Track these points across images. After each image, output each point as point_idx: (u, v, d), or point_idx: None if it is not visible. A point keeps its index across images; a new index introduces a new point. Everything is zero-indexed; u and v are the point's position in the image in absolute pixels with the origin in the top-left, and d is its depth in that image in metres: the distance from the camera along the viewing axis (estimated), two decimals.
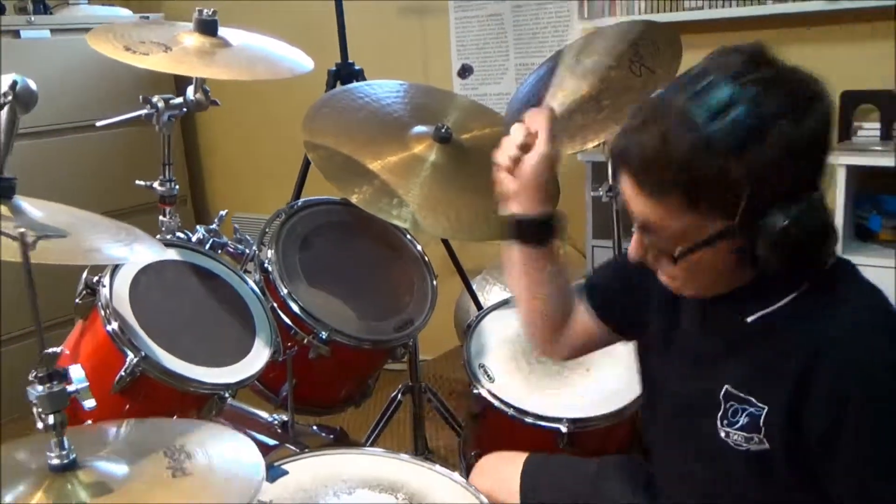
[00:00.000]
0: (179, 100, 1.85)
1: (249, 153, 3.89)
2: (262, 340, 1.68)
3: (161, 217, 1.93)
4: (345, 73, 2.83)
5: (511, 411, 1.83)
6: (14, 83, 1.18)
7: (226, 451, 1.11)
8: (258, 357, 1.64)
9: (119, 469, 1.04)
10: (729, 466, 1.15)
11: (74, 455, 1.01)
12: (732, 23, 2.60)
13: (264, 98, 3.63)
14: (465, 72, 3.20)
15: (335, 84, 2.80)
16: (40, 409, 0.98)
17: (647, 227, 1.09)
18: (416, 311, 1.99)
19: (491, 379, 1.91)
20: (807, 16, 2.48)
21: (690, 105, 0.99)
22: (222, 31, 1.82)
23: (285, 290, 1.83)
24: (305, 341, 1.82)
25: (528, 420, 1.82)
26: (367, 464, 1.59)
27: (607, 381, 1.90)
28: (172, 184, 1.94)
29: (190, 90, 1.83)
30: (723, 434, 1.14)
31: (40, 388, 0.99)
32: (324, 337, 1.82)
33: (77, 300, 1.56)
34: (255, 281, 1.81)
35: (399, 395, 2.44)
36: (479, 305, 2.81)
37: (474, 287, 2.89)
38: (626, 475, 1.51)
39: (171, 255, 1.68)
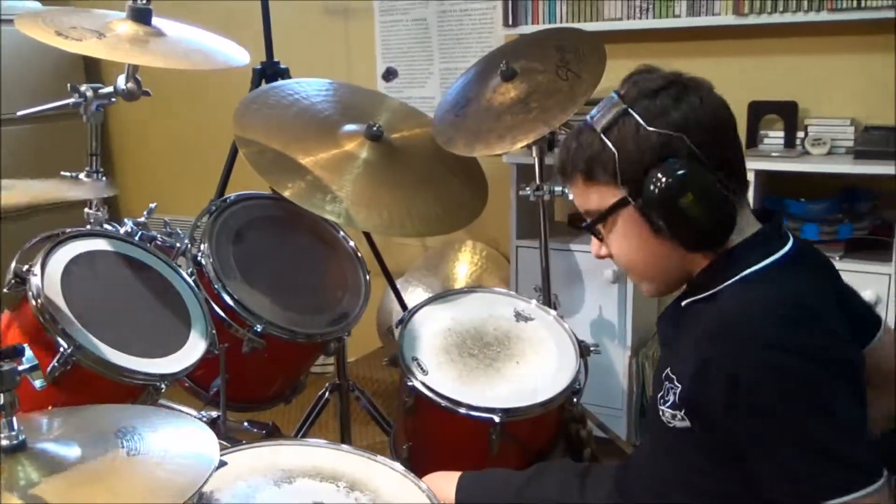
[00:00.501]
0: (109, 89, 1.82)
1: (169, 150, 3.82)
2: (198, 332, 1.66)
3: (87, 209, 1.89)
4: (270, 71, 2.82)
5: (444, 402, 1.86)
6: None
7: (178, 431, 1.10)
8: (194, 348, 1.63)
9: (71, 451, 1.02)
10: (665, 443, 1.23)
11: (24, 436, 0.99)
12: (649, 34, 2.73)
13: (187, 95, 3.57)
14: (389, 75, 3.23)
15: (260, 82, 2.79)
16: None
17: (584, 214, 1.30)
18: (351, 305, 2.01)
19: (424, 371, 1.93)
20: (717, 29, 2.63)
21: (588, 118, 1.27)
22: (155, 21, 1.80)
23: (219, 283, 1.82)
24: (240, 335, 1.81)
25: (462, 411, 1.85)
26: (306, 454, 1.59)
27: (536, 373, 1.95)
28: (99, 175, 1.90)
29: (121, 79, 1.80)
30: (661, 412, 1.22)
31: None
32: (258, 330, 1.81)
33: (5, 289, 1.51)
34: (188, 274, 1.79)
35: (327, 394, 2.44)
36: (403, 305, 2.84)
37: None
38: (558, 474, 1.57)
39: (103, 245, 1.65)
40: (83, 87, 1.78)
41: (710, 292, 1.20)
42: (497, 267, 3.23)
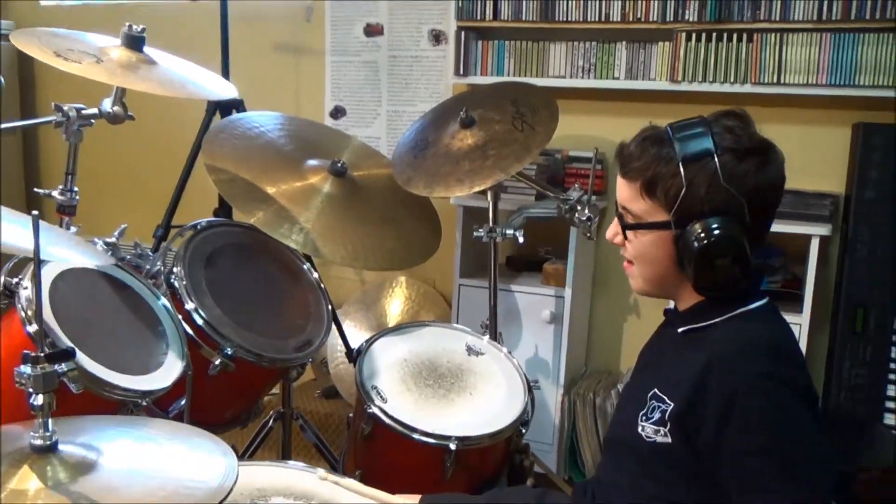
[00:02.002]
0: (93, 110, 1.86)
1: (117, 175, 3.78)
2: (175, 353, 1.71)
3: (59, 227, 1.91)
4: (225, 102, 2.88)
5: (403, 429, 1.95)
6: None
7: (190, 436, 1.17)
8: (173, 368, 1.67)
9: (95, 454, 1.07)
10: (639, 457, 1.37)
11: (56, 438, 1.04)
12: (590, 92, 2.94)
13: (143, 120, 3.56)
14: (337, 113, 3.36)
15: (214, 112, 2.84)
16: (31, 389, 1.00)
17: (622, 207, 1.39)
18: (315, 332, 2.08)
19: (384, 399, 2.02)
20: (653, 93, 2.86)
21: (670, 129, 1.35)
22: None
23: (192, 305, 1.86)
24: (209, 356, 1.85)
25: (417, 437, 1.94)
26: (281, 477, 1.65)
27: (489, 404, 2.07)
28: (73, 194, 1.93)
29: (107, 102, 1.85)
30: (639, 428, 1.36)
31: (30, 368, 1.00)
32: (229, 352, 1.86)
33: None
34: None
35: (271, 422, 2.48)
36: (344, 338, 2.90)
37: None
38: (517, 497, 1.68)
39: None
40: (66, 107, 1.82)
41: (708, 323, 1.36)
42: (433, 304, 3.34)
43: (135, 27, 1.79)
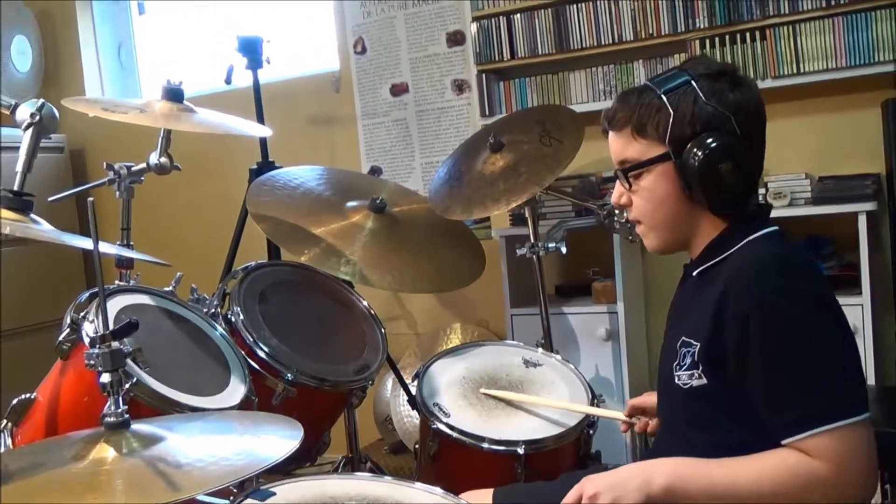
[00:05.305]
0: (141, 166, 1.98)
1: (170, 234, 3.93)
2: (237, 377, 1.75)
3: (118, 281, 2.00)
4: (266, 171, 3.00)
5: (469, 440, 1.95)
6: (41, 105, 1.29)
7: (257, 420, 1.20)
8: (236, 390, 1.71)
9: (166, 430, 1.11)
10: (680, 407, 1.37)
11: (128, 416, 1.08)
12: None
13: (189, 188, 3.73)
14: (374, 173, 3.46)
15: (258, 175, 2.95)
16: (100, 368, 1.05)
17: (619, 162, 1.42)
18: (371, 357, 2.11)
19: (447, 414, 2.02)
20: None
21: (647, 80, 1.43)
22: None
23: (251, 338, 1.92)
24: (272, 385, 1.90)
25: (485, 446, 1.94)
26: (351, 485, 1.65)
27: (550, 409, 2.06)
28: (130, 248, 2.02)
29: (153, 155, 1.96)
30: (676, 379, 1.36)
31: (97, 347, 1.06)
32: (290, 378, 1.90)
33: (60, 338, 1.59)
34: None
35: (340, 467, 2.48)
36: (408, 391, 2.90)
37: None
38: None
39: (146, 299, 1.76)
40: (117, 166, 1.93)
41: (721, 257, 1.37)
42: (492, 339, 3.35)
43: (173, 81, 1.91)
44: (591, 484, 1.32)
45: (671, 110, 1.34)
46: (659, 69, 2.90)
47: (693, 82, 1.35)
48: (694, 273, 1.42)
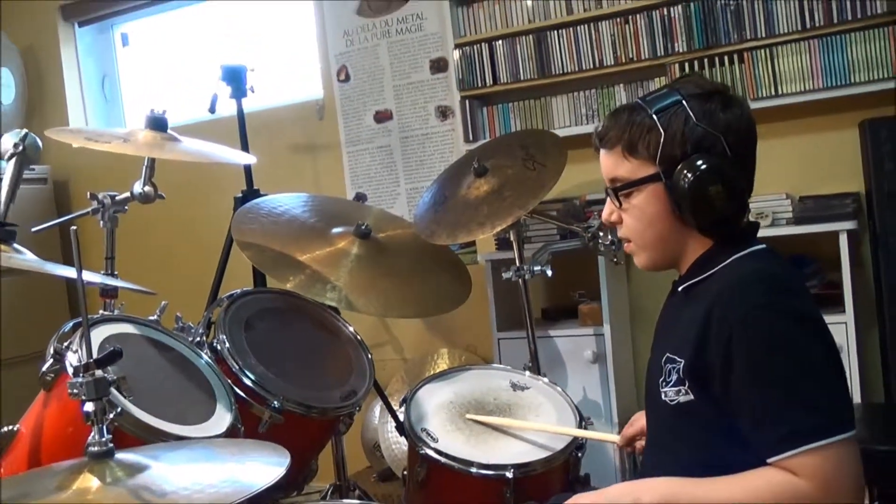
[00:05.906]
0: (125, 195, 1.97)
1: (154, 263, 3.91)
2: (223, 406, 1.74)
3: (102, 311, 1.99)
4: (251, 198, 3.00)
5: (457, 465, 1.94)
6: (25, 135, 1.29)
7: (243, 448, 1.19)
8: (222, 419, 1.70)
9: (150, 459, 1.10)
10: (667, 423, 1.37)
11: (112, 445, 1.07)
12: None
13: (174, 217, 3.71)
14: (359, 199, 3.47)
15: (243, 203, 2.96)
16: (83, 396, 1.04)
17: (610, 180, 1.42)
18: (358, 383, 2.11)
19: (435, 440, 2.01)
20: None
21: (638, 99, 1.42)
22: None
23: (237, 366, 1.91)
24: (259, 412, 1.88)
25: (474, 471, 1.93)
26: None
27: (538, 433, 2.06)
28: (114, 277, 2.02)
29: (137, 184, 1.96)
30: (662, 395, 1.36)
31: (80, 376, 1.05)
32: (277, 406, 1.89)
33: (43, 369, 1.58)
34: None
35: (328, 496, 2.47)
36: (396, 417, 2.89)
37: None
38: None
39: (130, 328, 1.75)
40: (101, 195, 1.93)
41: (707, 274, 1.37)
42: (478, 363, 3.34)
43: (156, 110, 1.92)
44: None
45: (662, 130, 1.34)
46: (640, 93, 2.93)
47: (684, 102, 1.35)
48: (680, 289, 1.43)
